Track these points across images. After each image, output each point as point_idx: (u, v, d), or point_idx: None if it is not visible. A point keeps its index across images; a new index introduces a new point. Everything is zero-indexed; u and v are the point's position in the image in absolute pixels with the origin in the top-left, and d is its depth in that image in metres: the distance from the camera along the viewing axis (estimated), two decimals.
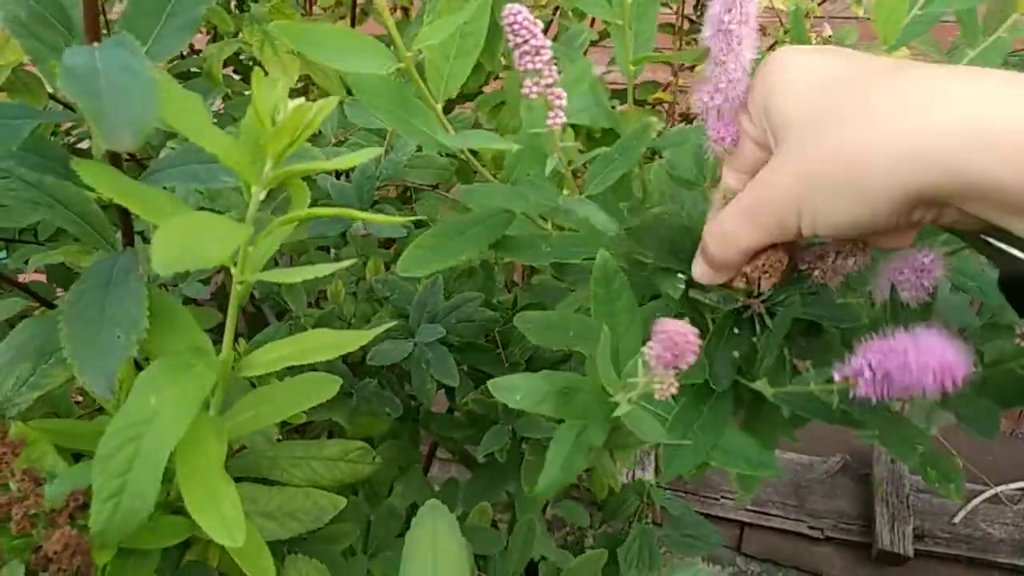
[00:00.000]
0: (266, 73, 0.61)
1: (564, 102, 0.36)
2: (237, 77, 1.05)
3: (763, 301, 0.39)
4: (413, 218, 0.37)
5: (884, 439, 0.41)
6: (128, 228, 0.39)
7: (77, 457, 0.41)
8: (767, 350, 0.36)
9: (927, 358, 0.28)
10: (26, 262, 0.83)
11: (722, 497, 1.75)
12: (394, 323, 0.36)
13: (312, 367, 0.60)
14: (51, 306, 0.54)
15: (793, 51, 0.32)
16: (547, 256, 0.46)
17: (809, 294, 0.38)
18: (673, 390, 0.34)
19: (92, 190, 0.37)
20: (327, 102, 0.30)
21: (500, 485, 0.72)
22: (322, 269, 0.29)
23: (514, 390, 0.38)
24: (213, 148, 0.29)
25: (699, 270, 0.37)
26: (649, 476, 1.70)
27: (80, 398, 0.60)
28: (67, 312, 0.34)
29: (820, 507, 1.71)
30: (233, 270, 0.32)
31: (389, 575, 0.58)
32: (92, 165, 0.31)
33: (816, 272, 0.37)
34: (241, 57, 1.09)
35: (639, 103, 0.86)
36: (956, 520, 1.68)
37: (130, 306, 0.34)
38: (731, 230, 0.34)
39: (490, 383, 0.38)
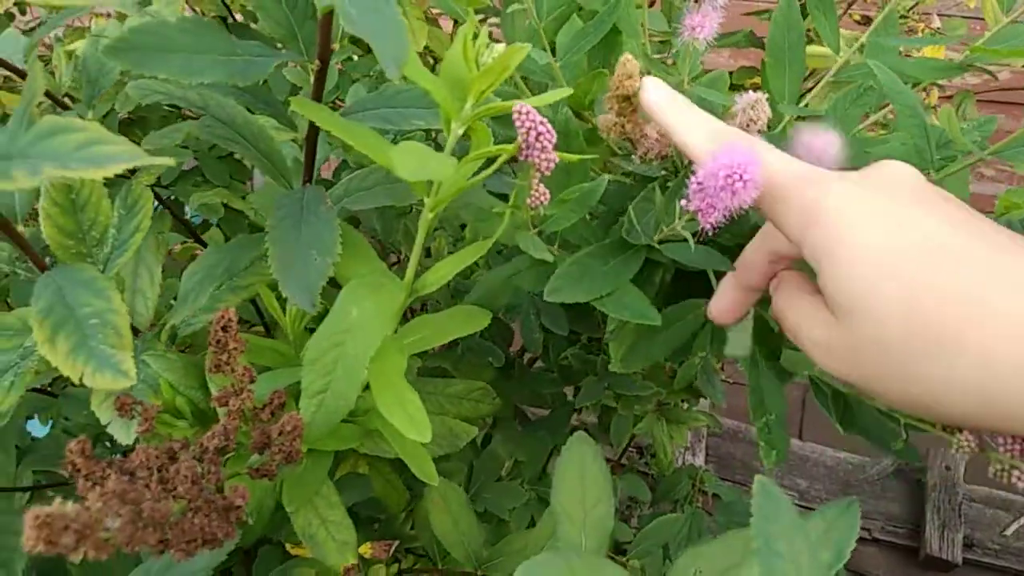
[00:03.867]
0: None
1: None
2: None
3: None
4: (588, 156, 0.40)
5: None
6: (311, 166, 0.43)
7: None
8: (665, 206, 0.39)
9: (723, 161, 0.30)
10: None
11: None
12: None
13: None
14: (203, 243, 0.59)
15: (854, 211, 0.29)
16: None
17: None
18: (544, 199, 0.38)
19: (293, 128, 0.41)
20: (521, 47, 0.33)
21: (548, 442, 0.76)
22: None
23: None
24: (426, 85, 0.33)
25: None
26: (700, 462, 1.72)
27: None
28: (271, 236, 0.38)
29: (869, 508, 1.71)
30: (426, 200, 0.36)
31: (490, 514, 0.62)
32: (310, 103, 0.35)
33: None
34: None
35: (736, 88, 0.87)
36: (1008, 532, 1.66)
37: (324, 233, 0.38)
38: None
39: None
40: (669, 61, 0.55)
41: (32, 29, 0.92)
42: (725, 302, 0.38)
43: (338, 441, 0.39)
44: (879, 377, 0.28)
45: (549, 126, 0.33)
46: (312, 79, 0.37)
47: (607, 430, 0.88)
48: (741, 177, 0.30)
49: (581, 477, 0.38)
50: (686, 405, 0.99)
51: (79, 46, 0.53)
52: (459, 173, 0.35)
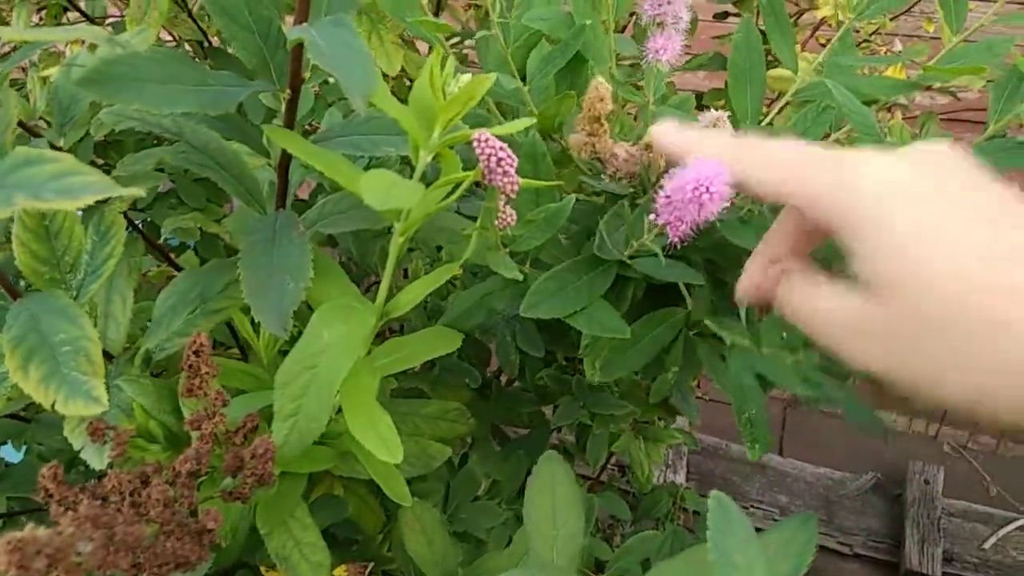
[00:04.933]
0: None
1: None
2: None
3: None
4: (554, 183, 0.41)
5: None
6: (283, 191, 0.43)
7: None
8: (634, 221, 0.40)
9: (691, 175, 0.31)
10: None
11: (751, 507, 1.77)
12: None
13: None
14: (177, 267, 0.59)
15: (900, 189, 0.28)
16: None
17: None
18: (511, 220, 0.39)
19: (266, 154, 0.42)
20: (486, 78, 0.34)
21: (526, 461, 0.76)
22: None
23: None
24: (394, 114, 0.34)
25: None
26: (681, 480, 1.73)
27: None
28: (243, 262, 0.39)
29: (849, 523, 1.72)
30: (396, 225, 0.37)
31: (468, 534, 0.62)
32: (282, 131, 0.36)
33: None
34: None
35: (707, 108, 0.90)
36: (986, 546, 1.68)
37: (297, 257, 0.39)
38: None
39: None
40: (640, 84, 0.57)
41: (7, 55, 0.92)
42: (750, 277, 0.36)
43: (311, 463, 0.40)
44: (915, 359, 0.27)
45: (509, 151, 0.33)
46: (284, 107, 0.38)
47: (585, 448, 0.89)
48: (708, 190, 0.31)
49: (552, 496, 0.39)
50: (663, 423, 1.00)
51: (54, 72, 0.54)
52: (428, 199, 0.36)
